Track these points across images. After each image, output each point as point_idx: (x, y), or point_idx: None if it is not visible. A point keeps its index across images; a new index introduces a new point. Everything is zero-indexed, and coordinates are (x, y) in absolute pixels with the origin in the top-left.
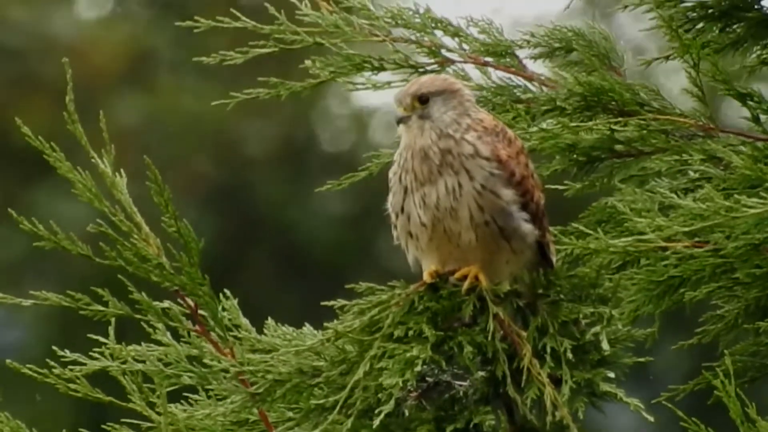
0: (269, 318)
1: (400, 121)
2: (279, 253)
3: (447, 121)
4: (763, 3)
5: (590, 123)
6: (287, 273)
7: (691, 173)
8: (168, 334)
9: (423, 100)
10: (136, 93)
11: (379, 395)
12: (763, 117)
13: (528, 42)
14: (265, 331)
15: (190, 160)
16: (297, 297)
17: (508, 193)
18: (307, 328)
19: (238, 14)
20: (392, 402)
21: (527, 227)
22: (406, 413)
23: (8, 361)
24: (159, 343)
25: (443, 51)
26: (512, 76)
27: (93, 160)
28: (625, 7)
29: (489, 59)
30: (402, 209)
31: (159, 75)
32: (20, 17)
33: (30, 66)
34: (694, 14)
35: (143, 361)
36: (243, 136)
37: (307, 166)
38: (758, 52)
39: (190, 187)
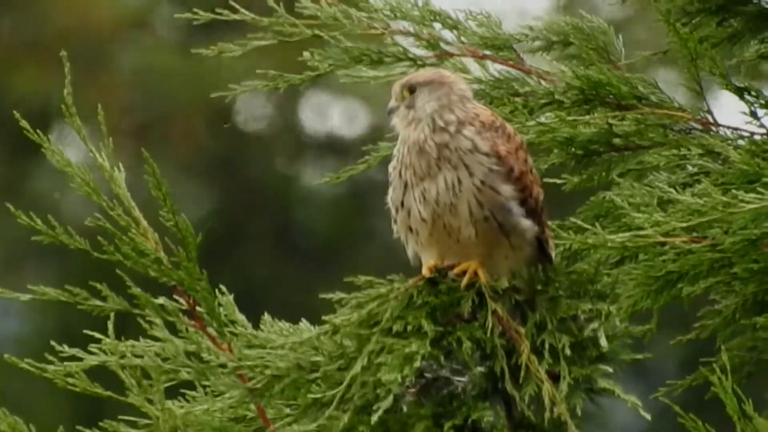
0: (263, 294)
1: (390, 111)
2: (278, 227)
3: (428, 110)
4: None
5: (587, 117)
6: (286, 248)
7: (690, 167)
8: (165, 330)
9: (411, 90)
10: (138, 49)
11: (378, 391)
12: (760, 112)
13: (526, 35)
14: (262, 326)
15: (189, 125)
16: (296, 271)
17: (507, 189)
18: (304, 323)
19: (237, 6)
20: (390, 398)
21: (526, 223)
22: (405, 409)
23: (6, 355)
24: (157, 338)
25: (442, 44)
26: (510, 70)
27: (92, 154)
28: (624, 0)
29: (487, 52)
30: (402, 204)
31: (157, 37)
32: None
33: (30, 28)
34: (692, 8)
35: (141, 356)
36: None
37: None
38: (756, 47)
39: (187, 158)
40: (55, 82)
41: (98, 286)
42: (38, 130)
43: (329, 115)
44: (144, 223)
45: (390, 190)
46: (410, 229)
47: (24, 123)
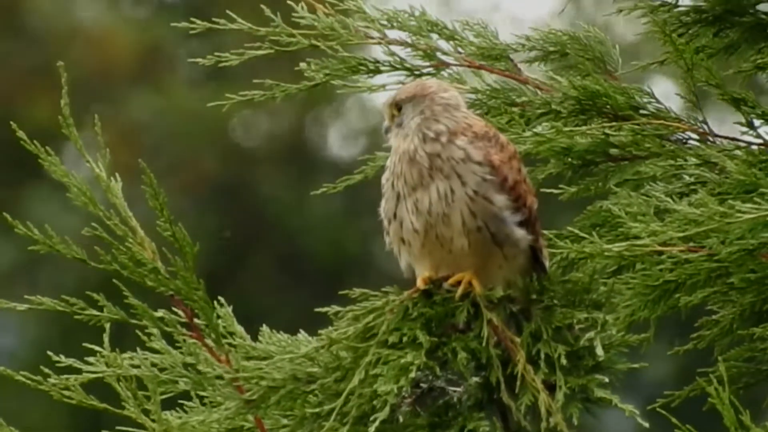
0: (266, 324)
1: (386, 131)
2: (281, 253)
3: (413, 126)
4: (757, 7)
5: (584, 127)
6: (288, 273)
7: (686, 177)
8: (163, 340)
9: (398, 107)
10: (146, 88)
11: (374, 402)
12: (757, 122)
13: (523, 45)
14: (260, 338)
15: (196, 158)
16: (297, 296)
17: (500, 199)
18: (302, 335)
19: (234, 16)
20: (387, 409)
21: (520, 233)
22: (401, 419)
23: (2, 368)
24: (154, 350)
25: (439, 54)
26: (507, 80)
27: (88, 164)
28: (620, 11)
29: (484, 63)
30: (395, 215)
31: (168, 72)
32: (41, 3)
33: (45, 53)
34: (688, 19)
35: (138, 366)
36: (248, 135)
37: (314, 167)
38: (753, 57)
39: (194, 185)
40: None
41: (95, 296)
42: (35, 141)
43: (335, 140)
44: (141, 232)
45: (383, 202)
46: (403, 241)
47: (21, 134)
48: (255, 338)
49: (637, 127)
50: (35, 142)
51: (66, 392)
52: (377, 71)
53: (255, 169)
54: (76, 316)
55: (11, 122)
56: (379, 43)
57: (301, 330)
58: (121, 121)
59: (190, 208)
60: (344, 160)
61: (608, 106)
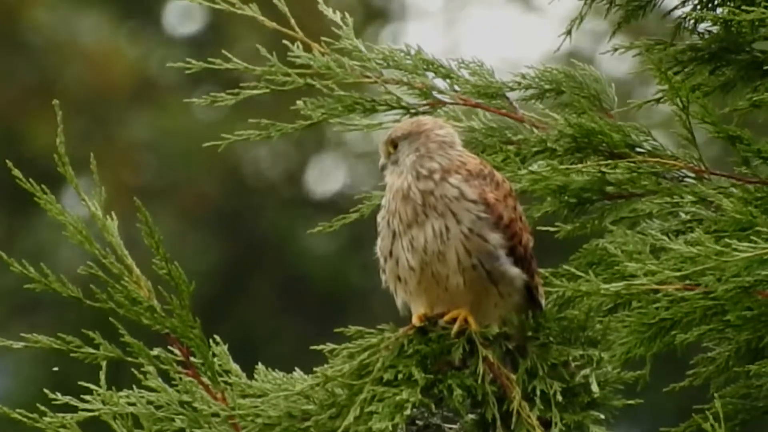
0: (266, 352)
1: (383, 168)
2: (281, 279)
3: (408, 163)
4: (753, 45)
5: (580, 165)
6: (288, 300)
7: (683, 215)
8: (159, 378)
9: (394, 145)
10: (145, 111)
11: None
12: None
13: (519, 84)
14: (256, 375)
15: (196, 182)
16: (297, 324)
17: (495, 237)
18: (297, 372)
19: (230, 56)
20: None
21: (515, 271)
22: None
23: None
24: (150, 387)
25: (434, 92)
26: (503, 118)
27: (83, 203)
28: (615, 50)
29: (480, 101)
30: (390, 253)
31: (168, 95)
32: (42, 21)
33: (47, 73)
34: (684, 57)
35: (134, 404)
36: (249, 162)
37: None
38: (749, 95)
39: (194, 209)
40: (69, 137)
41: (91, 334)
42: (31, 179)
43: (335, 174)
44: (137, 271)
45: (378, 240)
46: (399, 279)
47: (17, 172)
48: (251, 372)
49: (633, 164)
50: (31, 180)
51: (62, 430)
52: (373, 110)
53: (254, 193)
54: (72, 354)
55: (7, 161)
56: (375, 82)
57: (296, 368)
58: (122, 141)
59: (189, 230)
60: (343, 191)
61: (604, 144)
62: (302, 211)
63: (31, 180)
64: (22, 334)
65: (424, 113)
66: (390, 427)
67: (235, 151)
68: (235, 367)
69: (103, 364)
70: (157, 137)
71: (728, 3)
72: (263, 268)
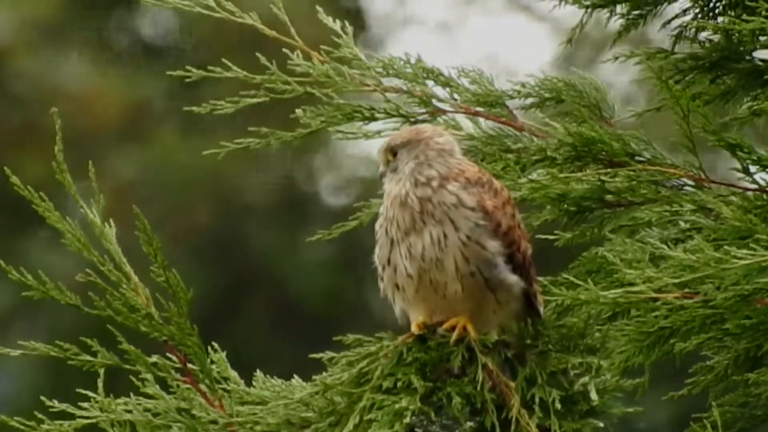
0: (260, 369)
1: (381, 176)
2: (273, 303)
3: (407, 171)
4: (753, 54)
5: (580, 173)
6: (281, 323)
7: (682, 223)
8: (157, 386)
9: (393, 152)
10: (134, 145)
11: None
12: (752, 168)
13: (519, 92)
14: (254, 383)
15: (188, 211)
16: (291, 344)
17: (494, 245)
18: (296, 380)
19: (230, 64)
20: None
21: (513, 278)
22: None
23: None
24: (148, 395)
25: (434, 101)
26: (503, 126)
27: (82, 210)
28: (616, 58)
29: (480, 109)
30: (389, 261)
31: (156, 126)
32: (26, 67)
33: (32, 114)
34: (685, 65)
35: (132, 412)
36: (239, 186)
37: (306, 216)
38: (749, 103)
39: (186, 237)
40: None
41: (89, 341)
42: (29, 186)
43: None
44: (135, 278)
45: (377, 248)
46: (397, 287)
47: (15, 179)
48: (249, 384)
49: (632, 173)
50: (29, 187)
51: None
52: (373, 118)
53: (247, 216)
54: (70, 362)
55: (5, 168)
56: (375, 90)
57: (295, 375)
58: (111, 177)
59: (181, 256)
60: (337, 205)
61: (604, 153)
62: (296, 226)
63: (29, 188)
64: (20, 342)
65: (423, 121)
66: None
67: (226, 180)
68: (233, 374)
69: (101, 371)
70: (145, 169)
71: (729, 12)
72: (256, 292)
